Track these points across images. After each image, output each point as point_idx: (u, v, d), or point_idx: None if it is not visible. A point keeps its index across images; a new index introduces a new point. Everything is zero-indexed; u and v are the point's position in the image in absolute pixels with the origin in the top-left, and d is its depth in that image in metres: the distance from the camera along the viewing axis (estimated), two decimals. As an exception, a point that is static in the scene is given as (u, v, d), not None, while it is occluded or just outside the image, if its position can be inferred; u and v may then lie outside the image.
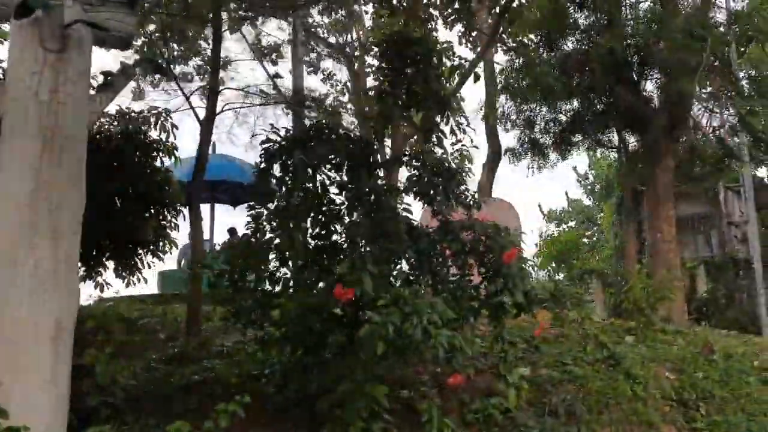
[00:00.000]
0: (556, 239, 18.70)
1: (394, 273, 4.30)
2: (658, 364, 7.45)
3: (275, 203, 4.71)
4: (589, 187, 25.89)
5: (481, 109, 15.70)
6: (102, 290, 8.72)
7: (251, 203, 4.78)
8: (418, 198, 4.66)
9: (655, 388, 6.90)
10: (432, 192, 4.57)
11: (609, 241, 19.25)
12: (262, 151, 4.54)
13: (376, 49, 4.65)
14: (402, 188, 4.67)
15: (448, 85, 5.45)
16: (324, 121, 4.44)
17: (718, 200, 16.78)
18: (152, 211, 7.81)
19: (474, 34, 17.41)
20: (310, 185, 4.39)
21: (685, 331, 9.11)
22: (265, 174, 4.47)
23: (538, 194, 40.22)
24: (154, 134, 7.96)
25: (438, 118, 3.99)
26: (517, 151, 13.22)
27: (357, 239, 3.84)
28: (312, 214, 4.62)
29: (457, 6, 12.18)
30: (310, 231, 4.76)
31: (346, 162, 4.25)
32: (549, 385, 6.27)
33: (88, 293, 10.11)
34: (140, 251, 8.18)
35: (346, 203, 4.26)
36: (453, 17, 13.81)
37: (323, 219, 4.56)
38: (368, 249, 3.80)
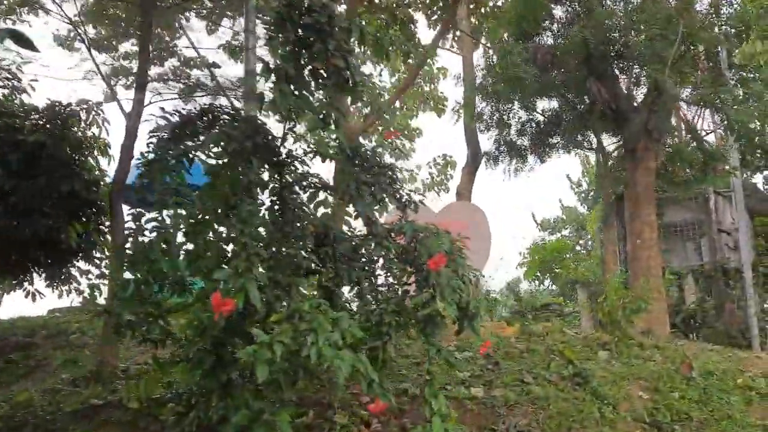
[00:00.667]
0: (539, 248, 18.16)
1: (307, 283, 3.70)
2: (631, 382, 6.92)
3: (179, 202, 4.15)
4: (583, 194, 25.46)
5: (458, 111, 15.27)
6: (34, 299, 8.16)
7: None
8: (340, 197, 4.09)
9: (626, 409, 6.36)
10: (357, 189, 4.01)
11: (597, 249, 18.76)
12: (150, 141, 3.98)
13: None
14: (310, 183, 4.09)
15: (381, 67, 4.86)
16: (216, 103, 3.90)
17: (709, 206, 16.28)
18: (80, 213, 7.23)
19: (457, 33, 17.11)
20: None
21: (664, 345, 8.56)
22: (157, 167, 3.90)
23: (533, 202, 39.80)
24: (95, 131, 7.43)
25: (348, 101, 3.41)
26: (493, 154, 12.67)
27: (247, 241, 3.28)
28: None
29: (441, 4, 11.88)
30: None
31: (249, 151, 3.68)
32: (504, 407, 5.71)
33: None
34: (70, 258, 7.61)
35: (236, 198, 3.69)
36: (435, 17, 13.49)
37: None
38: (257, 252, 3.25)
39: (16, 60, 7.33)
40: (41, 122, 7.01)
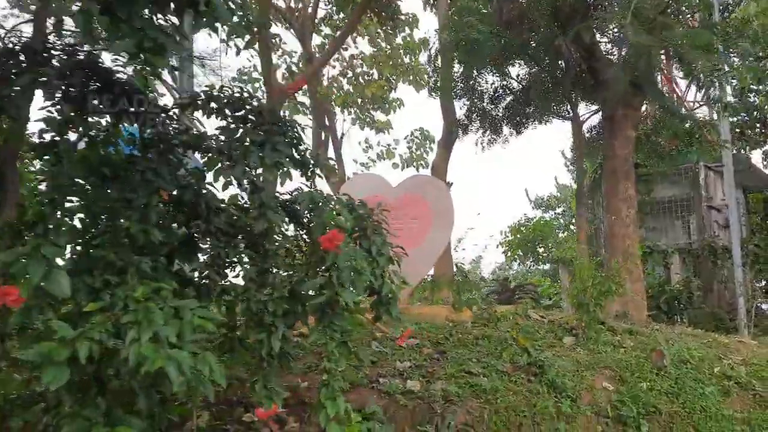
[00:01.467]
0: (519, 226, 17.51)
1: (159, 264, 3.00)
2: (596, 372, 6.33)
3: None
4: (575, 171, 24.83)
5: (431, 81, 14.50)
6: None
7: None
8: (213, 156, 3.39)
9: (587, 402, 5.79)
10: (243, 151, 3.32)
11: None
12: None
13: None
14: (172, 140, 3.37)
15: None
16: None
17: (698, 182, 15.64)
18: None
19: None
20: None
21: (639, 330, 7.97)
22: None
23: (528, 180, 39.06)
24: None
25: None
26: (462, 123, 11.90)
27: (53, 210, 2.63)
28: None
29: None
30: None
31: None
32: (443, 401, 5.09)
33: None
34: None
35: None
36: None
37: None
38: (72, 226, 2.60)
39: None
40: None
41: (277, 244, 3.50)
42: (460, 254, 28.62)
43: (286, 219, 3.58)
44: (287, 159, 3.59)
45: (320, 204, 3.51)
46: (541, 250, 17.32)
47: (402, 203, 8.39)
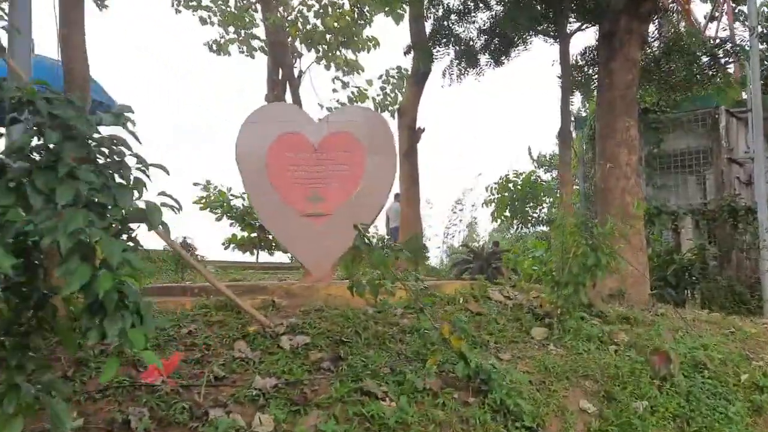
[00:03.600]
0: (507, 182, 15.53)
1: None
2: (571, 384, 4.55)
3: None
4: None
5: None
6: None
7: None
8: None
9: (554, 433, 4.02)
10: None
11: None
12: None
13: None
14: None
15: None
16: None
17: (718, 130, 13.60)
18: None
19: None
20: None
21: (637, 316, 6.16)
22: None
23: (531, 138, 36.76)
24: None
25: None
26: (425, 48, 9.76)
27: None
28: None
29: None
30: None
31: None
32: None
33: None
34: None
35: None
36: None
37: None
38: None
39: None
40: None
41: None
42: (457, 216, 27.07)
43: None
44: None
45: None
46: (530, 210, 15.45)
47: (326, 144, 6.47)
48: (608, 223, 5.65)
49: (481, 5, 9.19)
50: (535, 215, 15.65)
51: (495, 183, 16.10)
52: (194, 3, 18.42)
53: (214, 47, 19.08)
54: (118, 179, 2.10)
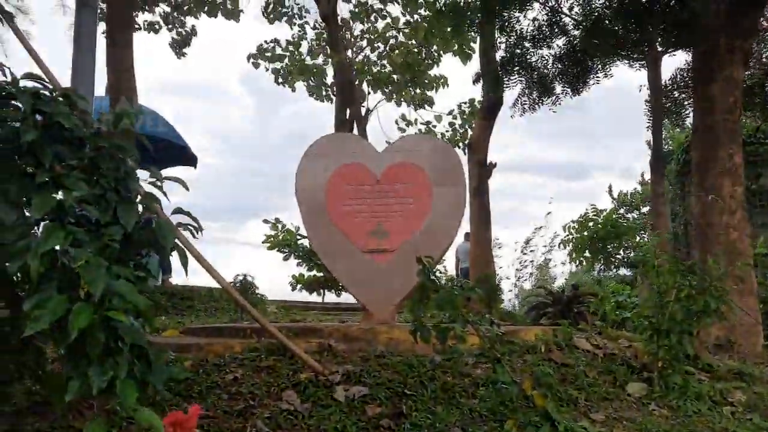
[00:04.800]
0: (587, 221, 14.54)
1: None
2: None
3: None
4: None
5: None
6: None
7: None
8: None
9: None
10: None
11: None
12: None
13: None
14: None
15: None
16: None
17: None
18: None
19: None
20: None
21: (752, 370, 5.29)
22: None
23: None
24: None
25: None
26: (492, 73, 9.17)
27: None
28: None
29: None
30: None
31: None
32: None
33: None
34: None
35: None
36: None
37: None
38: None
39: None
40: None
41: None
42: (528, 257, 25.97)
43: None
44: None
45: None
46: (612, 250, 14.41)
47: (389, 175, 6.07)
48: (711, 262, 4.89)
49: (556, 30, 8.67)
50: (618, 256, 14.62)
51: (572, 221, 15.21)
52: (269, 54, 18.87)
53: (281, 80, 19.35)
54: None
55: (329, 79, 19.36)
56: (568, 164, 52.38)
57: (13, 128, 1.61)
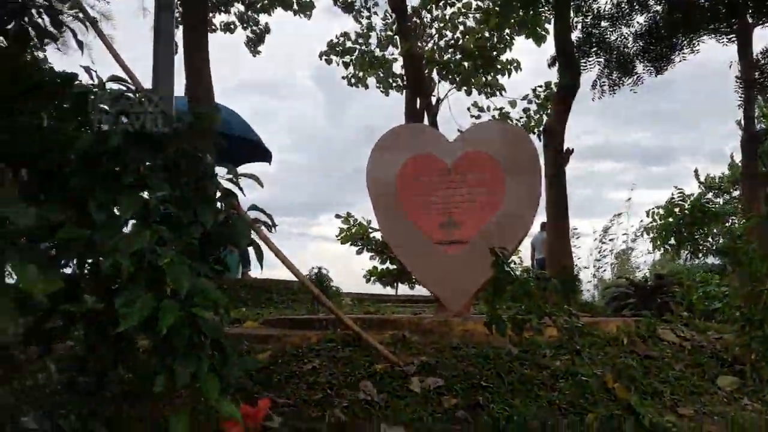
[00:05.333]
0: (672, 206, 13.79)
1: None
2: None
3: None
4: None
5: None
6: None
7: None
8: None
9: None
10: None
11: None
12: None
13: None
14: None
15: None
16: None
17: None
18: None
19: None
20: None
21: None
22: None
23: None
24: None
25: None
26: (572, 59, 8.87)
27: None
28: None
29: None
30: None
31: None
32: None
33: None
34: None
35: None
36: None
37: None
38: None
39: None
40: None
41: None
42: (607, 246, 25.15)
43: None
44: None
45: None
46: (699, 237, 13.67)
47: (461, 165, 6.00)
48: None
49: (637, 6, 8.28)
50: (707, 243, 13.85)
51: (657, 207, 14.51)
52: (339, 48, 19.11)
53: (353, 80, 19.59)
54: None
55: (397, 71, 19.38)
56: (649, 148, 50.02)
57: (100, 131, 1.74)
